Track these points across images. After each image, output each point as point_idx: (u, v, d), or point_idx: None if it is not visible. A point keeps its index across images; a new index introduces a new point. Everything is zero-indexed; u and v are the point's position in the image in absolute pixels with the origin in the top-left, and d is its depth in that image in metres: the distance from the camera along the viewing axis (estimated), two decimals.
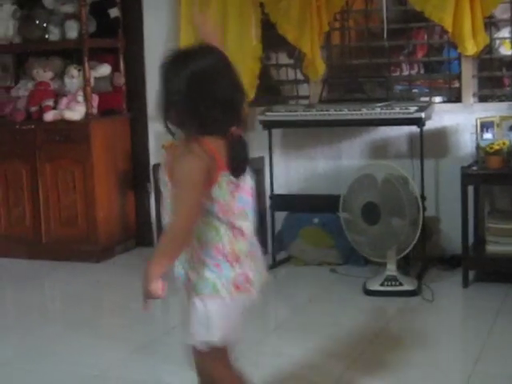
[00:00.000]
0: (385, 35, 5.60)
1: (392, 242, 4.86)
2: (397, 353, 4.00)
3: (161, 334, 4.46)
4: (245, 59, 5.70)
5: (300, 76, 6.03)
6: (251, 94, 5.74)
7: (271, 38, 5.81)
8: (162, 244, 2.54)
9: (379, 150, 5.67)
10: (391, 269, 4.92)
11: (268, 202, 5.73)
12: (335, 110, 5.23)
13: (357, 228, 4.99)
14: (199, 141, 2.50)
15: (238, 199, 2.58)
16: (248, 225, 2.64)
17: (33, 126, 6.11)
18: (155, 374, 3.93)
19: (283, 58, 6.15)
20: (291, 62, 6.13)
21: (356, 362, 3.86)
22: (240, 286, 2.59)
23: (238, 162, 2.55)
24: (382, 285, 4.89)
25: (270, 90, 6.14)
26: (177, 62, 2.56)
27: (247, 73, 5.71)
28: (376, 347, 4.08)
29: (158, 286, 2.54)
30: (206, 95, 2.50)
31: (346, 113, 5.20)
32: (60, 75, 6.25)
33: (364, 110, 5.18)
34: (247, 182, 2.63)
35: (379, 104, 5.23)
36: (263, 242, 5.92)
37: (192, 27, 5.81)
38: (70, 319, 4.84)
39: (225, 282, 2.57)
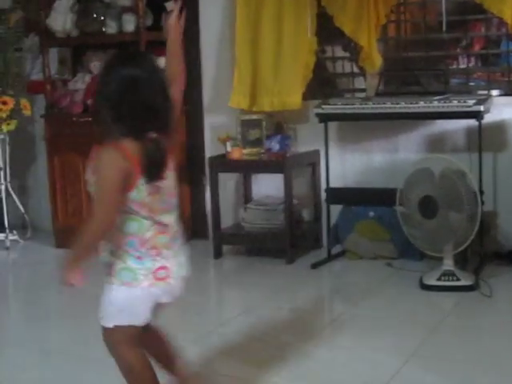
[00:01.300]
0: (444, 27, 5.55)
1: (449, 236, 4.81)
2: (454, 348, 3.96)
3: (216, 326, 4.47)
4: (300, 52, 5.70)
5: (356, 69, 6.00)
6: (303, 87, 5.74)
7: (326, 30, 5.78)
8: (81, 237, 2.71)
9: (436, 144, 5.61)
10: (448, 263, 4.87)
11: (323, 195, 5.71)
12: (392, 103, 5.19)
13: (413, 222, 4.94)
14: (118, 145, 2.67)
15: (159, 200, 2.77)
16: (171, 220, 2.83)
17: (90, 119, 6.16)
18: (212, 366, 3.94)
19: (338, 51, 6.12)
20: (347, 54, 6.09)
21: (413, 357, 3.82)
22: (159, 277, 2.79)
23: (153, 167, 2.70)
24: (438, 279, 4.84)
25: (326, 83, 6.11)
26: (109, 66, 2.79)
27: (302, 66, 5.71)
28: (433, 342, 4.04)
29: (73, 275, 2.75)
30: (128, 100, 2.68)
31: (403, 106, 5.16)
32: None
33: (421, 103, 5.13)
34: (169, 183, 2.80)
35: (437, 97, 5.17)
36: (318, 236, 5.93)
37: (248, 20, 5.84)
38: None
39: (146, 272, 2.77)
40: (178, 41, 3.09)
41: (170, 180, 2.81)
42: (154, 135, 2.70)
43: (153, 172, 2.70)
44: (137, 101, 2.68)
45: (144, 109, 2.68)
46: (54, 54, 6.64)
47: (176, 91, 2.94)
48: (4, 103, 6.28)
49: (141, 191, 2.70)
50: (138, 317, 2.84)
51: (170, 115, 2.77)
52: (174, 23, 3.09)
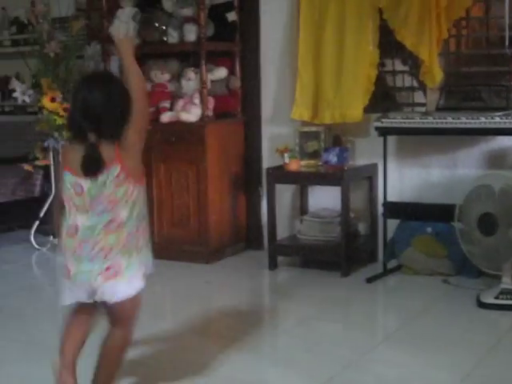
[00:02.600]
0: (507, 43, 5.49)
1: (508, 254, 4.74)
2: (510, 369, 3.90)
3: (271, 338, 4.47)
4: (362, 65, 5.68)
5: (415, 83, 5.95)
6: (366, 99, 5.72)
7: (386, 44, 5.76)
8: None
9: (496, 160, 5.54)
10: (507, 282, 4.80)
11: (381, 209, 5.68)
12: (453, 118, 5.13)
13: (472, 239, 4.89)
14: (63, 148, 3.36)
15: (80, 200, 3.12)
16: (84, 223, 3.13)
17: (149, 127, 6.15)
18: (262, 375, 3.94)
19: (398, 65, 6.08)
20: (407, 68, 6.05)
21: (469, 377, 3.77)
22: (65, 273, 3.17)
23: (85, 164, 3.08)
24: (496, 298, 4.77)
25: (385, 97, 6.08)
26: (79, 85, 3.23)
27: (364, 78, 5.69)
28: (489, 362, 3.98)
29: None
30: (72, 111, 3.20)
31: (463, 121, 5.11)
32: (177, 77, 6.35)
33: (482, 119, 5.06)
34: (106, 187, 3.10)
35: (498, 113, 5.11)
36: (374, 250, 5.89)
37: (311, 32, 5.84)
38: (179, 318, 4.90)
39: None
40: (130, 55, 3.41)
41: (108, 185, 3.09)
42: (92, 139, 3.08)
43: (86, 168, 3.08)
44: (75, 112, 3.13)
45: (81, 118, 3.10)
46: (115, 61, 6.70)
47: (138, 107, 3.19)
48: (65, 110, 6.36)
49: (67, 188, 3.13)
50: (62, 300, 3.24)
51: (112, 125, 3.11)
52: (121, 37, 3.48)
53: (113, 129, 3.11)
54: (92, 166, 3.07)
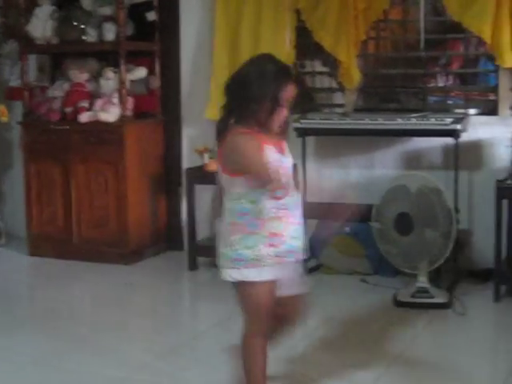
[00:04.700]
0: (422, 45, 5.58)
1: (424, 253, 4.83)
2: (426, 365, 3.97)
3: (189, 339, 4.45)
4: None
5: (334, 84, 6.01)
6: None
7: (306, 45, 5.80)
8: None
9: (413, 161, 5.63)
10: (422, 280, 4.88)
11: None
12: (370, 120, 5.20)
13: (389, 238, 4.96)
14: (247, 131, 3.20)
15: None
16: None
17: (67, 127, 6.13)
18: (181, 379, 3.92)
19: (318, 66, 6.13)
20: (326, 69, 6.10)
21: (385, 375, 3.83)
22: None
23: None
24: (412, 296, 4.85)
25: (304, 98, 6.11)
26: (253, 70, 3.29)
27: None
28: (405, 359, 4.04)
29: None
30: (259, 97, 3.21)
31: (381, 122, 5.18)
32: (96, 77, 6.28)
33: (399, 120, 5.15)
34: None
35: (415, 114, 5.19)
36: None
37: (227, 32, 5.84)
38: (98, 321, 4.85)
39: None
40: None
41: None
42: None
43: None
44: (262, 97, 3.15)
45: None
46: (32, 60, 6.60)
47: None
48: None
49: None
50: None
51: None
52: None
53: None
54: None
